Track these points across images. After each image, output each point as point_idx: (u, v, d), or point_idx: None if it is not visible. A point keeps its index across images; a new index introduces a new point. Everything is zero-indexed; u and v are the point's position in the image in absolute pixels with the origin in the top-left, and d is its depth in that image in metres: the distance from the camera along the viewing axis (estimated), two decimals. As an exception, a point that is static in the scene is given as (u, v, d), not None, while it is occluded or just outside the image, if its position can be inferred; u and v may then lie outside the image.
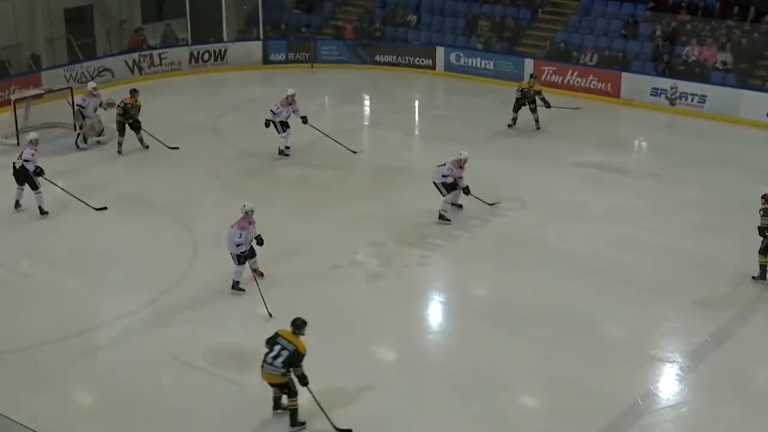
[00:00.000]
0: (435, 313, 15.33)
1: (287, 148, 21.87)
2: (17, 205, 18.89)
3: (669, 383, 13.10)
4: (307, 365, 12.91)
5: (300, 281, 15.60)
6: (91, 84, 23.30)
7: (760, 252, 15.59)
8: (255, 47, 30.84)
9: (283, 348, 11.71)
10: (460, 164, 18.09)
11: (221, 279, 15.77)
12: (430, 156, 21.48)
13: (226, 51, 30.29)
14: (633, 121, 25.71)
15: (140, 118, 22.02)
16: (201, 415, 12.10)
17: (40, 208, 18.60)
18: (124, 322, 14.76)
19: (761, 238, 15.48)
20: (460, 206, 18.50)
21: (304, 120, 21.80)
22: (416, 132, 25.51)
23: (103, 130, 22.90)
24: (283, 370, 11.64)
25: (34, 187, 18.61)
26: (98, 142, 22.77)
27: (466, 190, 18.16)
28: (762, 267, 15.64)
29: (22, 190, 18.77)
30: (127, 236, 17.66)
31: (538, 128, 23.77)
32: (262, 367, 11.76)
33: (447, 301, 15.58)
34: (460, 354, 13.79)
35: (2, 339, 14.01)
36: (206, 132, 23.68)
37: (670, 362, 13.52)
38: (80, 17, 30.26)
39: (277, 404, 12.20)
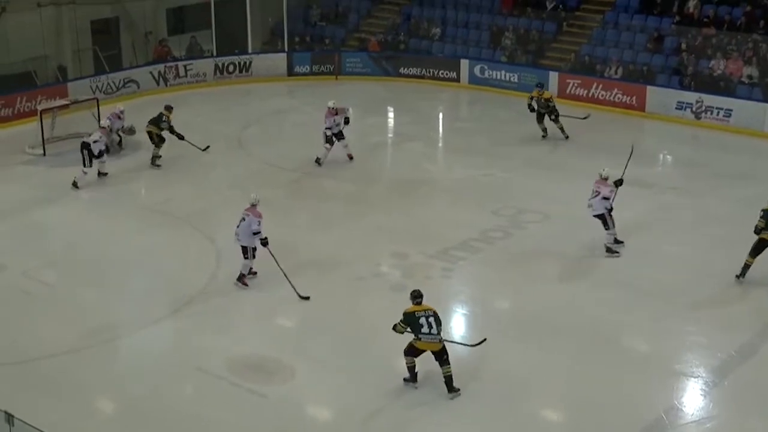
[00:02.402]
0: (458, 325, 15.27)
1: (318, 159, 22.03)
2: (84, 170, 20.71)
3: (693, 398, 12.99)
4: (329, 377, 12.96)
5: (323, 293, 15.58)
6: (119, 107, 23.35)
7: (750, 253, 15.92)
8: (280, 59, 30.95)
9: (429, 317, 12.65)
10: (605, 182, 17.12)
11: (244, 290, 15.81)
12: (454, 168, 21.56)
13: (250, 63, 30.43)
14: (658, 135, 25.58)
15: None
16: (224, 426, 12.10)
17: (75, 180, 20.45)
18: (147, 331, 14.82)
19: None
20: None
21: (347, 121, 22.25)
22: (440, 144, 25.51)
23: (120, 145, 23.11)
24: (440, 336, 12.66)
25: (85, 164, 20.39)
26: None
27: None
28: (745, 266, 15.91)
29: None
30: (151, 245, 17.73)
31: (566, 137, 23.75)
32: (419, 339, 12.62)
33: (470, 313, 15.54)
34: (482, 367, 13.72)
35: (25, 347, 14.09)
36: (230, 143, 23.75)
37: (695, 377, 13.40)
38: (106, 29, 30.49)
39: (414, 377, 12.98)
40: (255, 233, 15.59)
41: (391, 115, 27.94)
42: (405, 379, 13.09)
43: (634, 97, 26.58)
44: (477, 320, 15.32)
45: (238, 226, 15.82)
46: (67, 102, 24.85)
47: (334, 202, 19.84)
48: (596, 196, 17.04)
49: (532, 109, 24.04)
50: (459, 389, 12.79)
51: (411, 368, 12.96)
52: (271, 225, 17.73)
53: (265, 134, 24.47)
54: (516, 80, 28.67)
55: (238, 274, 15.94)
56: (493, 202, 19.56)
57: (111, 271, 16.74)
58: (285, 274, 15.40)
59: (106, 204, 19.95)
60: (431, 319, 12.66)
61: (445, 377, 12.73)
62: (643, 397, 12.80)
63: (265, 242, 15.68)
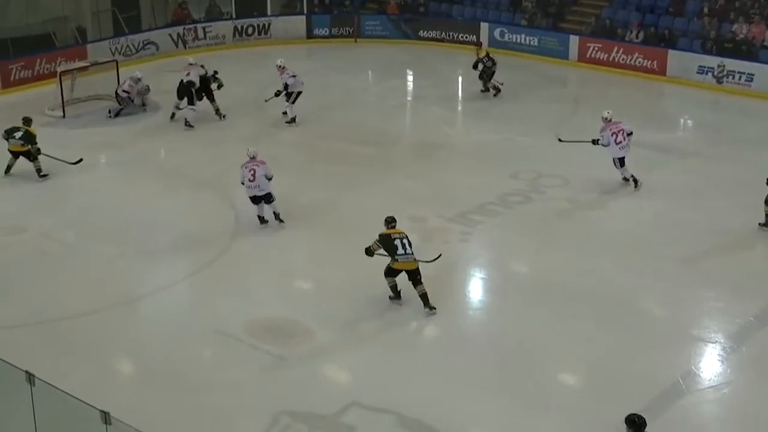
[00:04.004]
0: (475, 289, 15.29)
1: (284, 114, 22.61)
2: (173, 116, 22.52)
3: (711, 363, 12.97)
4: (348, 339, 13.03)
5: (342, 256, 15.61)
6: (137, 74, 23.38)
7: (766, 202, 16.32)
8: (299, 21, 30.88)
9: (403, 239, 13.77)
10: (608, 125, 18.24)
11: (263, 253, 15.88)
12: (473, 132, 21.46)
13: (269, 25, 30.37)
14: (679, 100, 25.44)
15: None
16: (244, 388, 12.15)
17: (186, 120, 21.95)
18: (166, 294, 14.90)
19: None
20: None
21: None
22: (459, 108, 25.42)
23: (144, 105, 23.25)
24: (414, 255, 13.72)
25: (192, 102, 22.00)
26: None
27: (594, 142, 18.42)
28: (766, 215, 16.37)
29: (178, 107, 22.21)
30: (170, 208, 17.79)
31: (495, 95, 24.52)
32: (396, 261, 13.67)
33: (488, 277, 15.54)
34: (499, 331, 13.75)
35: (46, 308, 14.19)
36: (249, 105, 23.73)
37: (713, 342, 13.37)
38: (126, -10, 30.46)
39: (398, 295, 14.03)
40: (270, 178, 16.38)
41: (410, 78, 27.86)
42: (390, 297, 14.12)
43: (655, 62, 26.40)
44: (494, 284, 15.33)
45: (252, 180, 16.29)
46: (86, 64, 24.89)
47: (352, 165, 19.82)
48: (622, 136, 17.96)
49: (476, 68, 24.53)
50: (435, 308, 13.81)
51: (393, 287, 14.03)
52: (290, 187, 17.81)
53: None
54: (536, 44, 28.52)
55: (276, 213, 16.71)
56: (512, 166, 19.50)
57: (130, 233, 16.80)
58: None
59: (125, 166, 19.99)
60: (405, 241, 13.78)
61: (420, 296, 13.82)
62: (661, 363, 12.78)
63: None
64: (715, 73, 25.38)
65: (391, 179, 18.97)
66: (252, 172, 16.31)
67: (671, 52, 26.28)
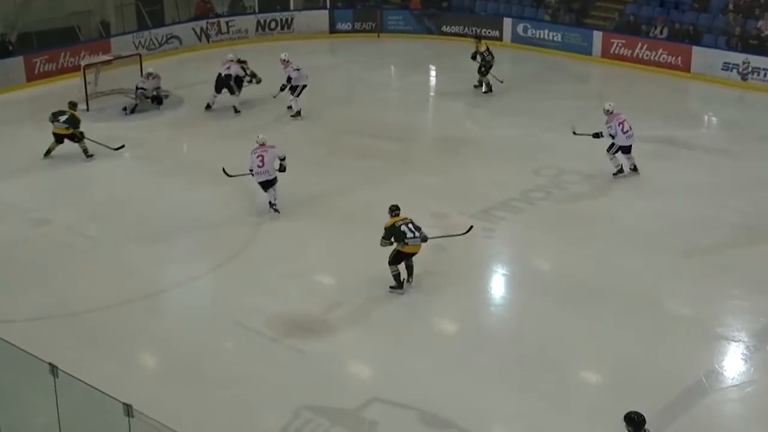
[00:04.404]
0: (497, 285, 15.26)
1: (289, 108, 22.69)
2: (208, 107, 22.80)
3: (734, 362, 12.90)
4: (370, 334, 13.04)
5: (363, 251, 15.60)
6: (150, 70, 23.46)
7: None
8: (322, 16, 30.87)
9: (408, 224, 14.12)
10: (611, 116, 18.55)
11: (285, 247, 15.90)
12: (495, 128, 21.40)
13: (292, 20, 30.36)
14: (703, 96, 25.29)
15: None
16: (264, 381, 12.18)
17: (234, 107, 22.59)
18: (188, 287, 14.95)
19: None
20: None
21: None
22: (482, 103, 25.34)
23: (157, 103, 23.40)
24: (421, 237, 14.12)
25: (232, 92, 22.54)
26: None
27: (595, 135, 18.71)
28: None
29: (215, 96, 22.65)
30: (194, 202, 17.82)
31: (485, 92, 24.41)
32: (406, 244, 14.00)
33: (510, 274, 15.50)
34: (521, 328, 13.73)
35: (70, 300, 14.26)
36: (271, 101, 23.75)
37: (736, 341, 13.29)
38: (149, -16, 30.55)
39: (401, 284, 14.24)
40: (282, 158, 16.78)
41: (432, 73, 27.81)
42: (391, 287, 14.24)
43: (679, 58, 26.24)
44: (516, 281, 15.29)
45: (261, 166, 16.65)
46: (110, 57, 24.95)
47: (374, 160, 19.80)
48: (628, 125, 18.30)
49: (474, 58, 24.48)
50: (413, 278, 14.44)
51: (396, 276, 14.21)
52: (311, 182, 17.82)
53: (306, 92, 24.41)
54: (559, 39, 28.42)
55: (272, 202, 16.96)
56: (534, 162, 19.45)
57: (154, 226, 16.85)
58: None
59: (148, 160, 20.06)
60: (410, 225, 14.14)
61: (408, 268, 14.35)
62: (684, 360, 12.73)
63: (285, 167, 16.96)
64: (740, 70, 25.20)
65: (413, 174, 18.94)
66: (260, 158, 16.68)
67: (696, 49, 26.10)
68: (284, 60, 22.41)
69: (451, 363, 12.68)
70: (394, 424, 11.43)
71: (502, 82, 24.37)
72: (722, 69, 25.50)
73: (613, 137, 18.36)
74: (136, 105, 22.82)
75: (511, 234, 16.76)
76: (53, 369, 8.93)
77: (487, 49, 24.36)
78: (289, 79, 22.19)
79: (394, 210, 14.37)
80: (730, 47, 25.90)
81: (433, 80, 27.42)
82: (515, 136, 21.26)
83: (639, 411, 9.46)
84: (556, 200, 17.91)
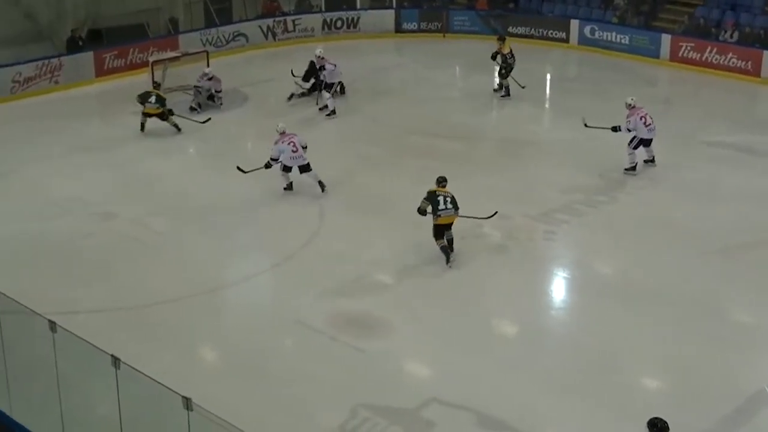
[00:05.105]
0: (558, 289, 15.17)
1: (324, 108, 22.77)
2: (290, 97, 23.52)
3: (798, 372, 12.70)
4: (429, 335, 13.01)
5: (424, 251, 15.60)
6: (207, 70, 23.64)
7: None
8: (387, 15, 30.92)
9: (447, 196, 15.02)
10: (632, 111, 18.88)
11: (346, 246, 15.94)
12: (560, 130, 21.27)
13: (358, 19, 30.45)
14: (773, 102, 24.91)
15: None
16: (323, 379, 12.22)
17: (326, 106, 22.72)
18: (249, 283, 15.06)
19: None
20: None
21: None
22: (546, 105, 25.21)
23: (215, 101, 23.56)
24: (454, 210, 15.05)
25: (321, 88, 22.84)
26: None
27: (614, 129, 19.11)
28: None
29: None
30: (256, 199, 17.94)
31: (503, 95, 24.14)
32: (439, 216, 14.95)
33: (571, 277, 15.38)
34: (581, 332, 13.61)
35: (133, 294, 14.43)
36: (336, 99, 23.83)
37: (801, 350, 13.09)
38: (217, -18, 30.85)
39: (448, 257, 15.09)
40: (305, 147, 17.64)
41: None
42: (446, 257, 15.13)
43: (749, 62, 25.82)
44: (577, 284, 15.18)
45: (295, 151, 17.49)
46: (178, 54, 25.26)
47: (437, 161, 19.69)
48: (650, 118, 18.69)
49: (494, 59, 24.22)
50: (452, 254, 15.16)
51: (444, 248, 15.11)
52: (374, 181, 17.85)
53: (370, 91, 24.50)
54: (627, 42, 28.13)
55: (320, 182, 17.80)
56: (599, 165, 19.27)
57: (217, 222, 17.00)
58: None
59: (213, 156, 20.25)
60: (447, 198, 15.02)
61: (447, 240, 15.17)
62: (746, 369, 12.52)
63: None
64: (812, 75, 24.78)
65: (476, 175, 18.87)
66: (292, 143, 17.50)
67: (766, 53, 25.67)
68: (319, 56, 22.46)
69: (510, 365, 12.63)
70: (451, 425, 11.40)
71: (523, 87, 24.03)
72: (793, 74, 25.09)
73: (630, 131, 18.70)
74: (199, 103, 22.98)
75: (573, 237, 16.64)
76: (115, 361, 9.05)
77: (510, 51, 23.93)
78: (322, 73, 22.32)
79: (441, 182, 15.18)
80: (802, 52, 25.46)
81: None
82: (579, 139, 21.05)
83: (662, 418, 9.25)
84: (619, 204, 17.75)
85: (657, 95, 25.08)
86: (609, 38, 28.58)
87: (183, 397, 8.45)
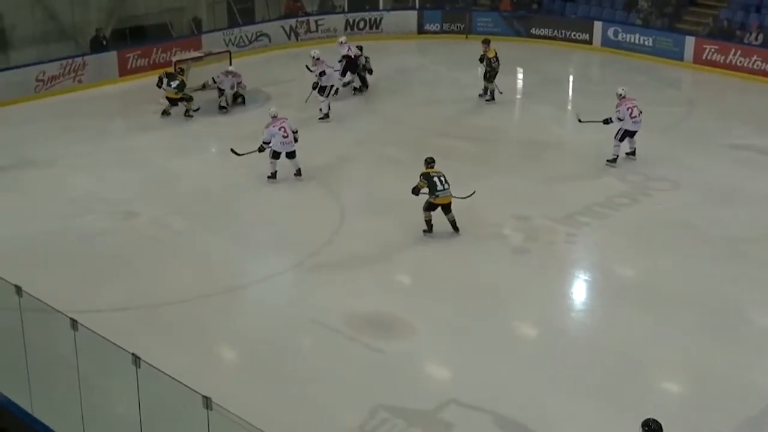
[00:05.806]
0: (579, 291, 15.13)
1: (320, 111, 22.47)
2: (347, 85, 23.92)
3: (821, 378, 12.61)
4: (448, 336, 13.00)
5: (444, 252, 15.60)
6: (231, 68, 23.68)
7: None
8: (410, 16, 30.92)
9: (440, 176, 15.69)
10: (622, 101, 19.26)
11: (366, 246, 15.95)
12: (582, 132, 21.19)
13: (381, 19, 30.45)
14: (797, 105, 24.71)
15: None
16: (342, 379, 12.24)
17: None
18: (269, 283, 15.09)
19: None
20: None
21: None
22: (569, 107, 25.12)
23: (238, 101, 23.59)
24: (450, 190, 15.70)
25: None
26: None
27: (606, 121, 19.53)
28: None
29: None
30: (277, 199, 18.00)
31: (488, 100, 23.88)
32: (437, 196, 15.63)
33: (592, 280, 15.34)
34: (601, 335, 13.57)
35: (153, 293, 14.49)
36: (357, 100, 23.87)
37: (824, 356, 13.00)
38: (240, -19, 30.91)
39: (431, 229, 15.92)
40: (295, 131, 18.10)
41: (519, 75, 27.60)
42: (424, 231, 15.90)
43: (774, 65, 25.69)
44: (598, 287, 15.14)
45: (286, 137, 17.96)
46: (201, 54, 25.35)
47: (458, 162, 19.69)
48: (637, 111, 19.05)
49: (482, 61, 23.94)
50: (459, 228, 15.90)
51: (428, 221, 15.90)
52: (394, 182, 17.84)
53: (392, 92, 24.47)
54: (650, 44, 28.01)
55: (298, 170, 18.35)
56: (620, 167, 19.22)
57: (237, 221, 17.06)
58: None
59: (234, 156, 20.28)
60: (442, 178, 15.67)
61: (450, 222, 15.87)
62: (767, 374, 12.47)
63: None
64: (838, 79, 24.61)
65: (496, 176, 18.86)
66: (283, 129, 17.95)
67: (791, 56, 25.55)
68: (316, 58, 22.29)
69: (530, 367, 12.60)
70: (470, 427, 11.39)
71: (501, 93, 23.85)
72: (818, 77, 24.92)
73: (621, 120, 19.02)
74: (226, 102, 23.02)
75: (595, 239, 16.59)
76: (136, 359, 9.08)
77: (496, 55, 23.68)
78: (320, 75, 22.13)
79: (430, 162, 15.97)
80: (827, 55, 25.30)
81: (520, 83, 27.22)
82: (602, 141, 20.97)
83: (656, 419, 9.18)
84: (641, 206, 17.68)
85: (680, 98, 25.02)
86: (632, 40, 28.47)
87: (203, 396, 8.47)
